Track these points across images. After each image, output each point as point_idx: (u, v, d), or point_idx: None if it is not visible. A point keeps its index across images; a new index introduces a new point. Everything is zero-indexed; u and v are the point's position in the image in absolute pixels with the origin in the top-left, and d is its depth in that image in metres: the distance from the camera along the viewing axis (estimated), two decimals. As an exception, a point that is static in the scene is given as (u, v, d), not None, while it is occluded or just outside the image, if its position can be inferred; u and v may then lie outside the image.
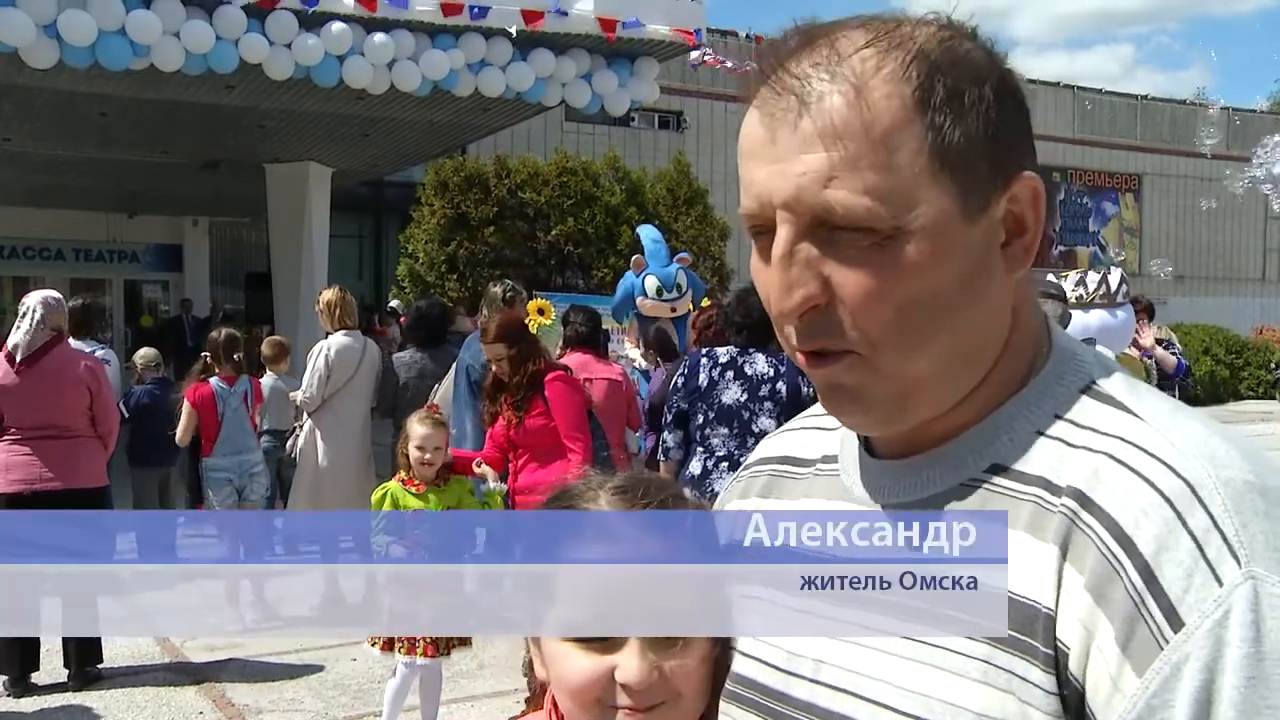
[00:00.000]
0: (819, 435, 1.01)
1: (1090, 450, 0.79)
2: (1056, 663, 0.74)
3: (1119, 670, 0.71)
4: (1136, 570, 0.71)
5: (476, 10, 9.86)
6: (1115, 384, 0.84)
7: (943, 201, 0.79)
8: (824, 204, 0.78)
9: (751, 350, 4.96)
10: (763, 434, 4.79)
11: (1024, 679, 0.75)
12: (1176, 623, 0.69)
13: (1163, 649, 0.69)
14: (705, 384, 4.95)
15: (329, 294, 7.02)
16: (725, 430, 4.88)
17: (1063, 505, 0.77)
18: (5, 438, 5.46)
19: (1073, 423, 0.82)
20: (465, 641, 4.49)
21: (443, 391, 6.45)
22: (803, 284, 0.81)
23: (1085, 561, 0.74)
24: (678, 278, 9.35)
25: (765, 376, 4.87)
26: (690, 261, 10.17)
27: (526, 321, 5.38)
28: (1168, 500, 0.73)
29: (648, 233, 9.91)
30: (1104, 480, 0.76)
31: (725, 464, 4.84)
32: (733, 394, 4.89)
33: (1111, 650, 0.71)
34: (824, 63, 0.80)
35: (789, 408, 4.78)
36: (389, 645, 4.41)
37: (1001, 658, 0.76)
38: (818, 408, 1.04)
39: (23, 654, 5.43)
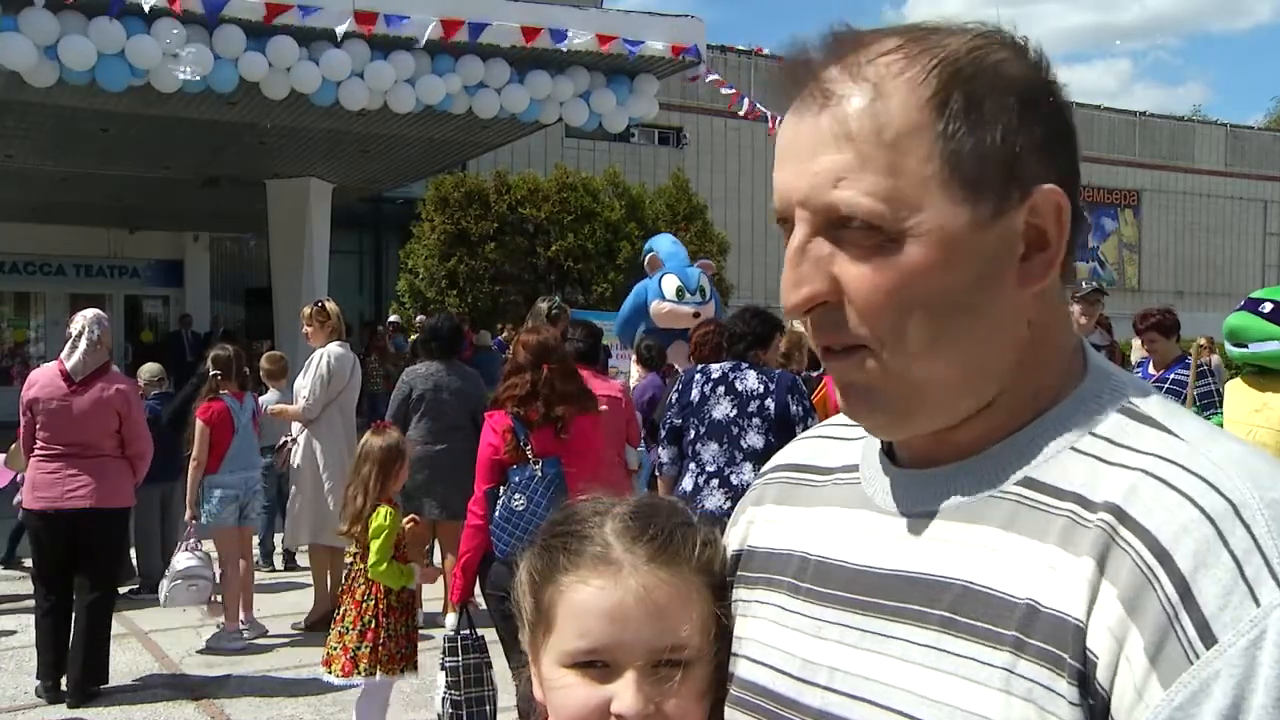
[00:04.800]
0: (840, 445, 1.00)
1: (1126, 467, 0.78)
2: (1085, 674, 0.73)
3: (1144, 680, 0.70)
4: (1172, 584, 0.71)
5: (475, 27, 9.88)
6: (1152, 406, 0.83)
7: (949, 208, 0.79)
8: (831, 203, 0.81)
9: (744, 366, 4.95)
10: (751, 450, 4.81)
11: (1049, 689, 0.74)
12: (1209, 639, 0.69)
13: (1192, 663, 0.69)
14: (697, 399, 4.95)
15: (334, 305, 7.23)
16: (715, 446, 4.86)
17: (1100, 520, 0.76)
18: (33, 455, 5.53)
19: (1109, 440, 0.81)
20: (412, 666, 4.54)
21: None
22: (809, 281, 0.83)
23: (1120, 574, 0.73)
24: (701, 280, 8.30)
25: (755, 393, 4.86)
26: (714, 270, 9.22)
27: (537, 346, 4.51)
28: (1209, 518, 0.72)
29: (661, 237, 9.03)
30: (1142, 496, 0.75)
31: (715, 480, 4.83)
32: (723, 409, 4.88)
33: (1139, 660, 0.71)
34: (850, 66, 0.82)
35: (777, 425, 4.78)
36: (350, 670, 4.44)
37: (1025, 667, 0.75)
38: (839, 418, 1.02)
39: (57, 661, 5.49)
